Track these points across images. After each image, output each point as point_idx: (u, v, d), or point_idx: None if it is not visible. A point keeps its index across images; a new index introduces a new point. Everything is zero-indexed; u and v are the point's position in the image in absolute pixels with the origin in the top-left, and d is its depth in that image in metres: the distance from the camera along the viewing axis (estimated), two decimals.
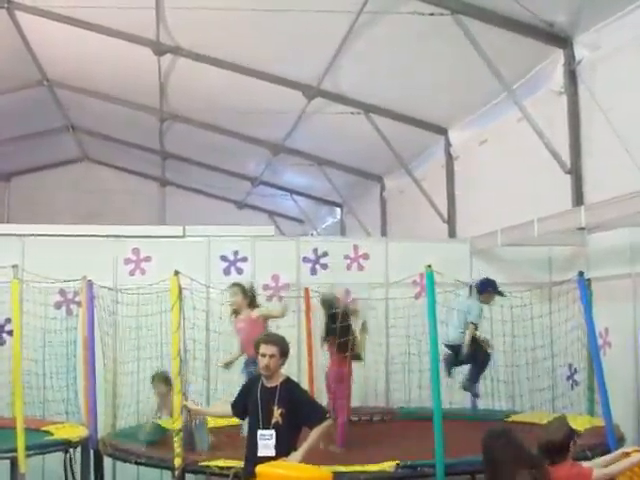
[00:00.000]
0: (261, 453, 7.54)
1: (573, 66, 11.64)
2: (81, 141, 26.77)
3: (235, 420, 8.98)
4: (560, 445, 6.83)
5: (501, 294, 11.68)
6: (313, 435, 7.66)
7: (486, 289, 11.68)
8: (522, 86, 13.00)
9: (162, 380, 10.37)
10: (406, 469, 8.21)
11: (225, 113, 18.92)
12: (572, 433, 6.86)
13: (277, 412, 7.59)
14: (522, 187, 13.43)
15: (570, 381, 12.14)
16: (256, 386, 7.84)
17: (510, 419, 11.35)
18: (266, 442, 7.57)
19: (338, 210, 27.15)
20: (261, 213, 30.15)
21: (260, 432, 7.60)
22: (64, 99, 21.64)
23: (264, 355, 7.73)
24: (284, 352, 7.83)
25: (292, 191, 27.00)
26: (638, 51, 10.26)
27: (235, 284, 11.21)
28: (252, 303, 11.02)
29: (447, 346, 11.50)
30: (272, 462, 7.22)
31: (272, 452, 7.49)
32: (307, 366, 12.42)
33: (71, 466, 9.98)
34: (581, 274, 9.58)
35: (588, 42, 11.35)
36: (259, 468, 7.00)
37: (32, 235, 13.04)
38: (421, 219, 18.44)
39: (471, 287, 11.93)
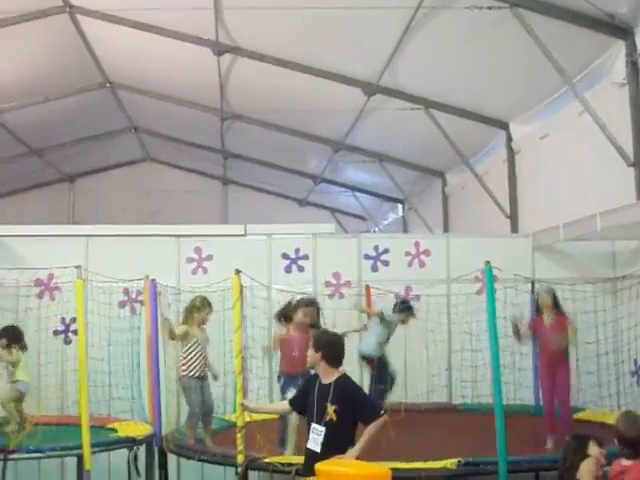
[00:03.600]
0: (309, 445, 7.61)
1: (635, 57, 11.45)
2: (143, 142, 27.07)
3: None
4: (635, 440, 6.81)
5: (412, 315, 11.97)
6: (368, 432, 7.65)
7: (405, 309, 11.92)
8: (583, 79, 12.84)
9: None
10: (468, 466, 8.16)
11: (285, 111, 18.95)
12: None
13: (331, 409, 7.58)
14: (585, 181, 13.26)
15: (635, 377, 11.98)
16: (314, 383, 7.87)
17: (575, 417, 11.24)
18: (315, 437, 7.59)
19: (400, 206, 27.07)
20: (323, 210, 30.17)
21: (313, 425, 7.63)
22: (126, 101, 21.89)
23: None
24: (318, 347, 7.81)
25: (354, 188, 26.99)
26: None
27: (312, 302, 10.24)
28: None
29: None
30: (331, 459, 7.21)
31: (318, 448, 7.51)
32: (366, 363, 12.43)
33: (135, 463, 10.10)
34: None
35: None
36: (318, 466, 7.01)
37: (96, 235, 13.22)
38: (483, 214, 18.30)
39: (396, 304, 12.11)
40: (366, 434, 7.59)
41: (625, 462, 6.85)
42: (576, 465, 6.91)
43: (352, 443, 7.59)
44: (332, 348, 7.91)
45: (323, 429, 7.55)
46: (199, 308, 10.32)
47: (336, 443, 7.50)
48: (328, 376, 7.76)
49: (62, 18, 15.85)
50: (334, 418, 7.55)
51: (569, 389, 10.63)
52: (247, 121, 20.95)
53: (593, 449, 7.04)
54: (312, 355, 7.83)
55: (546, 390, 10.70)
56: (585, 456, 6.97)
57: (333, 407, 7.57)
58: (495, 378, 8.24)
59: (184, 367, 10.15)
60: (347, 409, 7.58)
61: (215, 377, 10.52)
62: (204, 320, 10.35)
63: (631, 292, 10.99)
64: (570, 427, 10.54)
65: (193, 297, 10.57)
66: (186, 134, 24.47)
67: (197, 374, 10.12)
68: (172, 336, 10.31)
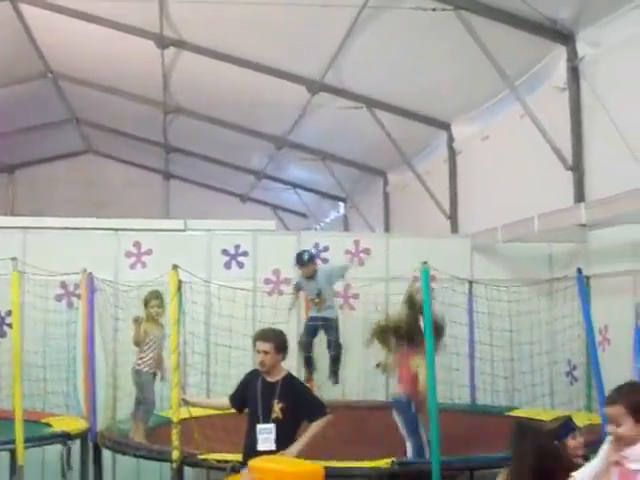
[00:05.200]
0: (261, 447, 7.56)
1: (575, 63, 11.59)
2: (85, 134, 26.81)
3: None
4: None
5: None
6: (312, 429, 7.68)
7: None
8: (525, 82, 12.98)
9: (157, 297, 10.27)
10: (402, 466, 8.21)
11: (229, 107, 18.95)
12: (566, 429, 6.82)
13: (277, 407, 7.61)
14: (524, 183, 13.41)
15: (569, 377, 12.14)
16: (256, 380, 7.86)
17: (508, 414, 11.38)
18: (266, 436, 7.58)
19: (342, 204, 27.15)
20: (265, 207, 30.14)
21: (260, 426, 7.62)
22: (68, 91, 21.68)
23: (259, 352, 7.76)
24: (280, 348, 7.82)
25: (296, 185, 27.00)
26: None
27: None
28: None
29: None
30: (264, 456, 7.23)
31: (272, 446, 7.52)
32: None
33: (68, 458, 9.98)
34: (579, 271, 9.61)
35: (590, 39, 11.29)
36: (251, 462, 7.01)
37: (33, 228, 13.06)
38: (424, 214, 18.43)
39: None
40: (310, 431, 7.63)
41: None
42: None
43: (295, 441, 7.62)
44: (286, 346, 7.94)
45: (272, 426, 7.55)
46: (147, 302, 10.25)
47: (282, 441, 7.51)
48: (276, 374, 7.77)
49: (3, 6, 15.62)
50: (280, 416, 7.58)
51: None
52: (190, 115, 20.85)
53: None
54: (274, 358, 7.77)
55: None
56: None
57: (280, 405, 7.60)
58: (430, 377, 8.29)
59: (140, 361, 10.09)
60: (293, 407, 7.62)
61: (162, 377, 10.27)
62: (157, 314, 10.22)
63: (566, 294, 11.15)
64: None
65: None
66: (128, 127, 24.31)
67: (152, 370, 10.10)
68: (137, 343, 10.20)
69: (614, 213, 9.50)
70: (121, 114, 22.40)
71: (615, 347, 10.72)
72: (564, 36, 11.64)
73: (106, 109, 22.37)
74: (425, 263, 8.50)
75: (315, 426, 7.68)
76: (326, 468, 7.19)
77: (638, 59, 10.28)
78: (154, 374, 10.15)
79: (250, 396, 7.85)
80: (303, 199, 27.76)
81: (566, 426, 6.74)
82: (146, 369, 10.06)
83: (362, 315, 12.70)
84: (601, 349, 10.49)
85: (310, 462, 7.38)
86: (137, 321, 10.20)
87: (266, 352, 7.73)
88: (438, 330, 8.99)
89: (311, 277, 11.97)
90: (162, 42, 16.02)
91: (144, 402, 10.10)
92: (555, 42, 11.86)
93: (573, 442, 6.71)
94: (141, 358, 10.10)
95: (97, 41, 16.94)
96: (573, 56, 11.59)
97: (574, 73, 11.68)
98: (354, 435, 10.23)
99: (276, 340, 7.83)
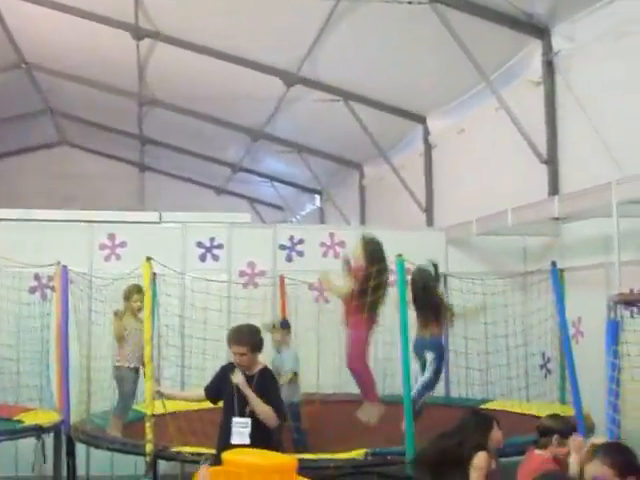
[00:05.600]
0: (235, 441, 7.47)
1: (550, 57, 11.66)
2: (60, 125, 26.64)
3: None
4: (543, 429, 6.99)
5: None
6: (265, 406, 7.54)
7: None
8: (500, 76, 13.03)
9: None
10: (376, 456, 8.23)
11: (205, 99, 18.83)
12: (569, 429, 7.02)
13: None
14: (499, 176, 13.47)
15: (543, 370, 12.21)
16: (233, 373, 7.81)
17: (483, 406, 11.42)
18: (241, 430, 7.51)
19: (318, 197, 27.15)
20: (241, 200, 30.06)
21: (235, 419, 7.56)
22: (43, 82, 21.53)
23: (235, 354, 7.71)
24: (255, 347, 7.76)
25: (272, 178, 26.98)
26: (615, 42, 10.26)
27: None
28: None
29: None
30: (238, 449, 7.18)
31: (247, 440, 7.44)
32: None
33: (43, 451, 9.92)
34: (554, 264, 9.65)
35: (565, 33, 11.37)
36: (225, 455, 6.96)
37: (6, 220, 12.96)
38: (400, 207, 18.46)
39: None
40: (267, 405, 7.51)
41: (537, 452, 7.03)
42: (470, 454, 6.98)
43: (270, 436, 7.57)
44: (262, 342, 7.88)
45: (248, 420, 7.50)
46: (127, 296, 10.18)
47: (256, 435, 7.46)
48: (253, 368, 7.72)
49: None
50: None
51: (355, 351, 9.63)
52: (166, 107, 20.75)
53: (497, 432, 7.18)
54: (250, 357, 7.71)
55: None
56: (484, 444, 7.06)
57: None
58: (405, 370, 8.32)
59: (119, 357, 10.03)
60: (266, 401, 7.54)
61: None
62: (138, 308, 10.12)
63: (540, 287, 11.19)
64: (368, 396, 9.59)
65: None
66: (103, 118, 24.16)
67: (132, 365, 10.00)
68: (119, 338, 10.10)
69: (586, 206, 9.56)
70: (96, 105, 22.25)
71: (588, 339, 10.79)
72: (539, 30, 11.70)
73: (81, 100, 22.25)
74: (400, 255, 8.52)
75: (269, 408, 7.54)
76: (299, 460, 7.17)
77: (613, 54, 10.35)
78: (136, 369, 10.07)
79: (226, 389, 7.78)
80: (279, 192, 27.74)
81: (571, 427, 7.09)
82: (127, 365, 10.00)
83: (337, 308, 12.69)
84: (574, 341, 10.55)
85: (283, 454, 7.37)
86: (117, 315, 10.14)
87: (242, 354, 7.68)
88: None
89: (278, 349, 10.53)
90: (138, 33, 15.96)
91: (122, 398, 10.06)
92: (530, 36, 11.92)
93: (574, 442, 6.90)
94: (120, 355, 10.04)
95: (72, 32, 16.85)
96: (548, 50, 11.68)
97: (549, 67, 11.75)
98: (328, 428, 10.22)
99: (251, 341, 7.72)
